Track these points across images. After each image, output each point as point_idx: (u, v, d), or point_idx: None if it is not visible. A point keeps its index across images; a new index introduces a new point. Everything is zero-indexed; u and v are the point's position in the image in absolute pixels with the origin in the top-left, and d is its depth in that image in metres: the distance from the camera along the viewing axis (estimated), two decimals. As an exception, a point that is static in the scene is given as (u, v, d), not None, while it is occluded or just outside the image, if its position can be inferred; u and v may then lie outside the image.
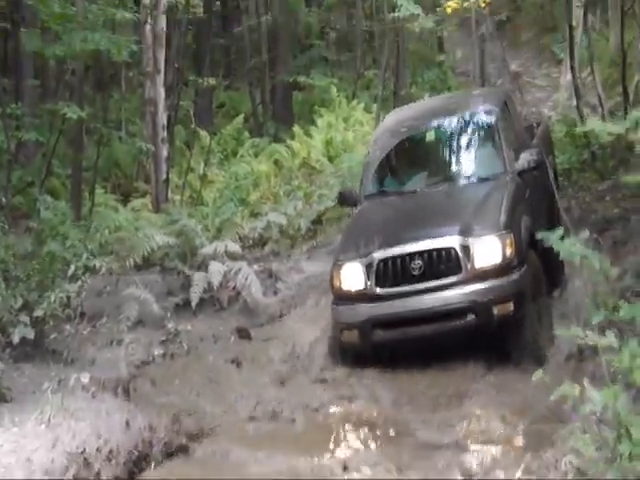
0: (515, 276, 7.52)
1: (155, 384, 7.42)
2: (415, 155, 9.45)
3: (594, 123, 4.06)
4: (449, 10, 11.44)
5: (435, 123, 9.38)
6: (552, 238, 4.19)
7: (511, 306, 7.44)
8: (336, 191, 11.95)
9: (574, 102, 16.08)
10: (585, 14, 16.45)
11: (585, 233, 4.47)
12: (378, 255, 7.63)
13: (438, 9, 14.02)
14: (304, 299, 9.59)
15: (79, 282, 7.14)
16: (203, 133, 15.50)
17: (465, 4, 11.88)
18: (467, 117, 9.28)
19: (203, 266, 9.37)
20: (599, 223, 11.43)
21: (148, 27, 12.45)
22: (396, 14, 13.25)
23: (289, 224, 11.13)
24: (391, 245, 7.66)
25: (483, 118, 9.15)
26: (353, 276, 7.73)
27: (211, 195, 12.49)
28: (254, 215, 11.93)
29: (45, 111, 12.80)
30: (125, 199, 13.37)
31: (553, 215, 9.03)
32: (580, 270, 4.86)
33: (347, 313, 7.81)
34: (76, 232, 8.16)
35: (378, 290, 7.61)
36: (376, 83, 21.19)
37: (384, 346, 7.71)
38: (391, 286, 7.60)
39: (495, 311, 7.42)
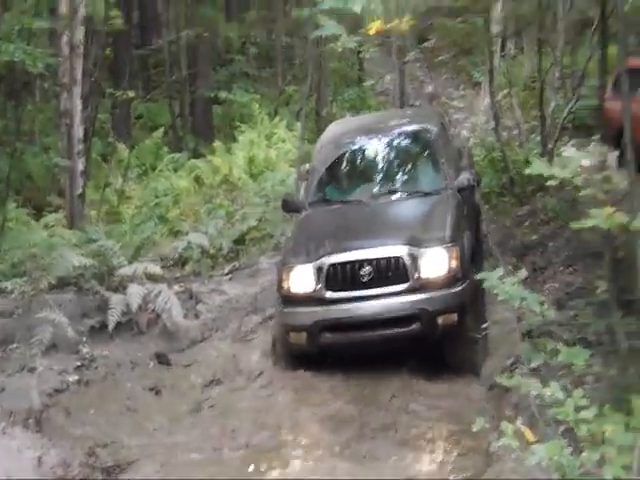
0: (459, 288, 7.68)
1: (69, 414, 7.03)
2: (359, 166, 9.61)
3: (540, 166, 4.00)
4: (371, 32, 11.31)
5: (377, 136, 9.68)
6: (491, 278, 4.10)
7: (455, 317, 7.63)
8: (259, 210, 11.79)
9: (491, 125, 16.30)
10: (503, 41, 16.75)
11: (523, 273, 4.40)
12: (329, 260, 7.76)
13: (361, 30, 13.92)
14: (226, 322, 9.33)
15: (-11, 305, 6.70)
16: (121, 146, 15.06)
17: (388, 26, 11.76)
18: (408, 133, 9.67)
19: (121, 287, 8.99)
20: (519, 249, 11.57)
21: (65, 38, 12.01)
22: (318, 33, 13.11)
23: (210, 244, 10.82)
24: (342, 251, 7.82)
25: (424, 135, 9.46)
26: (303, 279, 7.83)
27: (129, 211, 12.10)
28: (174, 233, 11.58)
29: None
30: (38, 214, 12.81)
31: (479, 234, 9.51)
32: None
33: (295, 315, 7.89)
34: (-14, 251, 7.71)
35: (327, 294, 7.73)
36: (297, 99, 21.11)
37: (330, 349, 7.83)
38: (340, 290, 7.74)
39: (440, 321, 7.60)
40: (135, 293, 8.68)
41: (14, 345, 7.76)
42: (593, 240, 8.31)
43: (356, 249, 7.80)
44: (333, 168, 9.44)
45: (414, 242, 7.71)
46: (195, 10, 18.96)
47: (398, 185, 9.06)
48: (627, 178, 5.18)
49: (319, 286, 7.74)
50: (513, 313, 7.30)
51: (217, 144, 16.22)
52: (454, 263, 7.69)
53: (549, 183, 4.60)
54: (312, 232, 8.42)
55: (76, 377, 7.65)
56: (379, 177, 9.36)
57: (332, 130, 10.34)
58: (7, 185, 11.14)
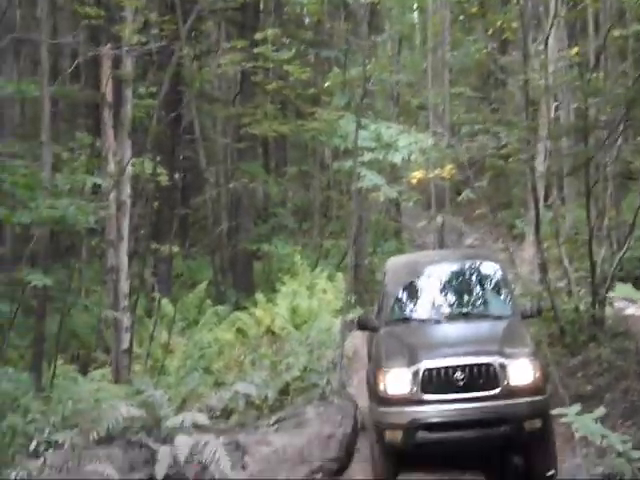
0: (543, 397, 8.59)
1: None
2: (431, 290, 10.40)
3: (625, 289, 3.96)
4: (414, 181, 11.55)
5: (447, 265, 10.72)
6: (570, 413, 4.00)
7: (539, 423, 8.44)
8: (303, 360, 11.76)
9: (536, 276, 16.22)
10: (546, 190, 16.92)
11: (601, 410, 4.28)
12: (425, 365, 8.54)
13: (403, 179, 14.23)
14: (273, 473, 9.15)
15: (41, 458, 6.67)
16: (164, 301, 15.27)
17: (430, 175, 12.01)
18: (474, 264, 10.68)
19: (169, 438, 8.91)
20: (572, 399, 11.19)
21: (112, 195, 12.42)
22: (359, 185, 13.40)
23: (256, 394, 10.75)
24: (437, 357, 8.63)
25: (491, 267, 10.49)
26: (399, 382, 8.61)
27: (174, 364, 12.12)
28: (219, 384, 11.54)
29: (3, 281, 12.53)
30: (84, 370, 12.91)
31: None
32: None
33: (391, 415, 8.64)
34: (38, 404, 7.73)
35: (424, 396, 8.49)
36: (334, 253, 21.37)
37: (424, 447, 8.52)
38: (435, 393, 8.52)
39: (526, 425, 8.39)
40: (183, 444, 8.59)
41: (64, 500, 7.64)
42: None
43: (451, 356, 8.60)
44: (406, 292, 10.41)
45: (503, 353, 8.56)
46: (237, 166, 19.55)
47: (470, 308, 10.01)
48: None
49: (415, 389, 8.50)
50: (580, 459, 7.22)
51: (259, 296, 16.36)
52: (538, 374, 8.56)
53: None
54: (400, 343, 9.17)
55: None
56: (451, 300, 10.26)
57: (396, 261, 11.40)
58: (57, 341, 11.28)
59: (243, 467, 9.13)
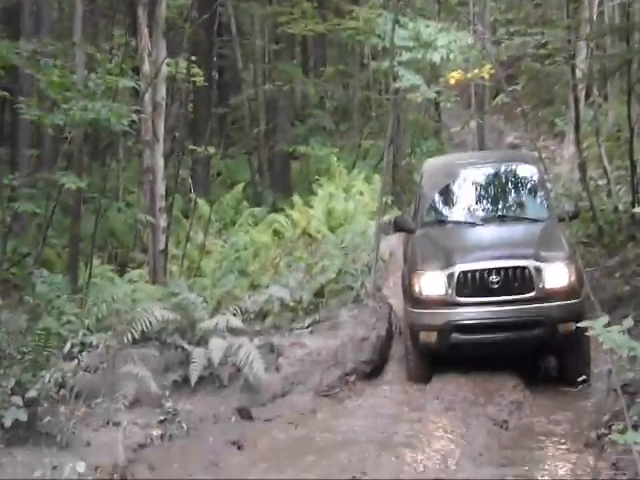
0: (577, 300, 8.61)
1: (154, 469, 7.00)
2: (468, 193, 10.38)
3: None
4: (452, 81, 11.23)
5: (483, 167, 10.57)
6: (597, 326, 3.96)
7: (573, 326, 8.03)
8: (338, 263, 11.75)
9: (576, 175, 15.98)
10: (587, 88, 16.45)
11: (629, 321, 4.23)
12: (460, 267, 8.64)
13: (441, 79, 13.90)
14: (307, 376, 9.25)
15: (75, 360, 6.77)
16: (201, 202, 15.27)
17: (469, 75, 11.69)
18: (511, 166, 10.53)
19: (203, 341, 9.01)
20: (610, 301, 11.18)
21: (147, 96, 12.28)
22: (397, 85, 13.13)
23: (291, 296, 10.80)
24: (472, 260, 8.73)
25: (528, 169, 10.36)
26: (434, 284, 8.73)
27: (210, 266, 12.18)
28: (254, 287, 11.60)
29: (41, 181, 12.57)
30: (122, 270, 13.03)
31: None
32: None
33: (426, 317, 8.78)
34: (72, 306, 7.81)
35: (458, 298, 8.61)
36: (373, 154, 21.12)
37: (458, 348, 8.69)
38: (470, 295, 8.63)
39: (560, 328, 8.47)
40: (217, 347, 8.67)
41: (99, 400, 7.79)
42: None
43: (486, 259, 8.69)
44: (442, 194, 10.41)
45: (538, 257, 8.61)
46: (274, 66, 19.23)
47: (506, 211, 10.00)
48: None
49: (450, 291, 8.61)
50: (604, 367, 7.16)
51: (296, 198, 16.31)
52: (573, 278, 8.61)
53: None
54: (435, 245, 9.26)
55: (160, 432, 7.64)
56: (487, 203, 10.29)
57: (433, 163, 11.30)
58: (93, 242, 11.35)
59: (277, 369, 9.24)
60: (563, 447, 7.46)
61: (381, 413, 8.53)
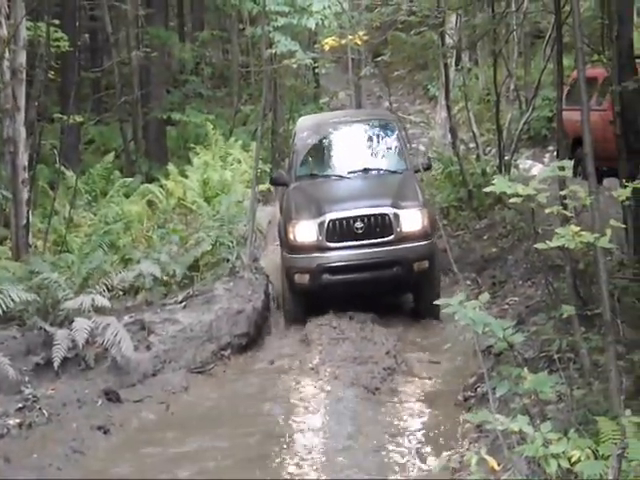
0: (430, 242, 9.87)
1: (9, 461, 6.59)
2: (335, 148, 11.61)
3: (502, 184, 3.86)
4: (326, 47, 11.23)
5: (349, 125, 11.81)
6: (452, 304, 3.87)
7: (426, 264, 9.76)
8: (214, 234, 11.43)
9: (449, 139, 16.13)
10: (457, 54, 16.62)
11: (485, 296, 4.20)
12: (329, 216, 9.75)
13: (316, 46, 13.74)
14: (180, 353, 8.95)
15: None
16: (69, 173, 14.56)
17: (343, 41, 11.61)
18: (374, 123, 11.83)
19: (67, 322, 8.56)
20: (478, 262, 11.48)
21: (6, 62, 11.59)
22: (273, 50, 12.91)
23: (163, 271, 10.40)
24: (339, 210, 9.81)
25: (389, 126, 11.62)
26: (307, 231, 9.81)
27: (77, 240, 11.60)
28: (125, 261, 11.12)
29: None
30: (-18, 246, 12.30)
31: None
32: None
33: (300, 260, 9.82)
34: None
35: (328, 243, 9.72)
36: (253, 119, 20.79)
37: (328, 287, 9.73)
38: (338, 241, 9.76)
39: (415, 266, 9.70)
40: (81, 327, 8.24)
41: (-49, 388, 7.29)
42: (552, 253, 8.09)
43: (351, 209, 9.80)
44: (314, 150, 11.51)
45: (396, 204, 9.79)
46: (146, 31, 18.55)
47: (370, 164, 11.02)
48: (589, 192, 4.92)
49: (321, 237, 9.71)
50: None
51: (171, 167, 15.80)
52: (426, 222, 9.82)
53: (512, 200, 4.47)
54: (307, 197, 10.31)
55: (17, 420, 7.19)
56: (353, 158, 11.14)
57: (306, 121, 12.38)
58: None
59: (147, 347, 8.89)
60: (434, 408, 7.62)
61: (253, 385, 8.46)
